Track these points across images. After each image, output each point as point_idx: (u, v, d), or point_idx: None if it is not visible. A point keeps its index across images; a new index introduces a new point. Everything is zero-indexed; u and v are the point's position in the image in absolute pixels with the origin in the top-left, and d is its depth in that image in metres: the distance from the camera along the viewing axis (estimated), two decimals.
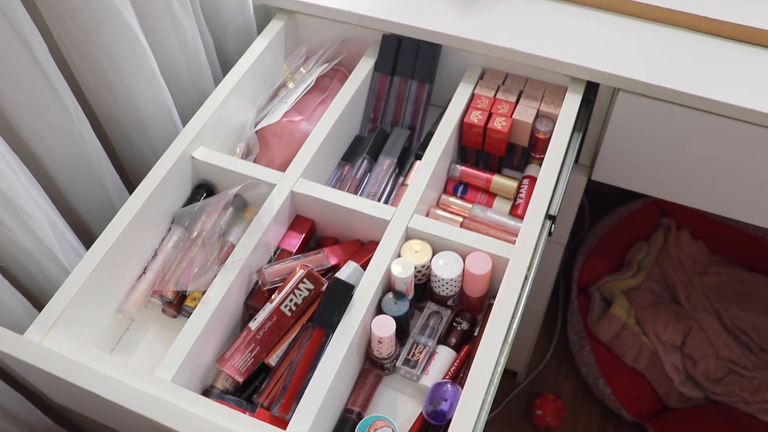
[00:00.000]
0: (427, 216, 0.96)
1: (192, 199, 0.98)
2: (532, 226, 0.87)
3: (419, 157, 0.99)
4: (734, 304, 1.81)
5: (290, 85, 1.08)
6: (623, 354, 1.70)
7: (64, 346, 0.79)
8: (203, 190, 0.99)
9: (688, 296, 1.82)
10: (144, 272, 0.93)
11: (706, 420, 1.66)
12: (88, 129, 0.92)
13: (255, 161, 1.02)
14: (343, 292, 0.80)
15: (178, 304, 0.92)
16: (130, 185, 1.07)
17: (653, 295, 1.81)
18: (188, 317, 0.85)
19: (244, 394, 0.86)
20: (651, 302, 1.79)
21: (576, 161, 1.15)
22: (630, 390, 1.69)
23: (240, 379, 0.83)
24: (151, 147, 1.03)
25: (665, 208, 1.90)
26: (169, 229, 0.96)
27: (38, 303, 0.91)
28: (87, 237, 1.00)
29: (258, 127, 1.02)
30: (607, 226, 1.89)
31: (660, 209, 1.90)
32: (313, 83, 1.06)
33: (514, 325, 0.80)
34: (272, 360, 0.84)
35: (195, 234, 0.94)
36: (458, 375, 0.85)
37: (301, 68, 1.10)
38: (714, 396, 1.70)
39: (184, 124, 0.98)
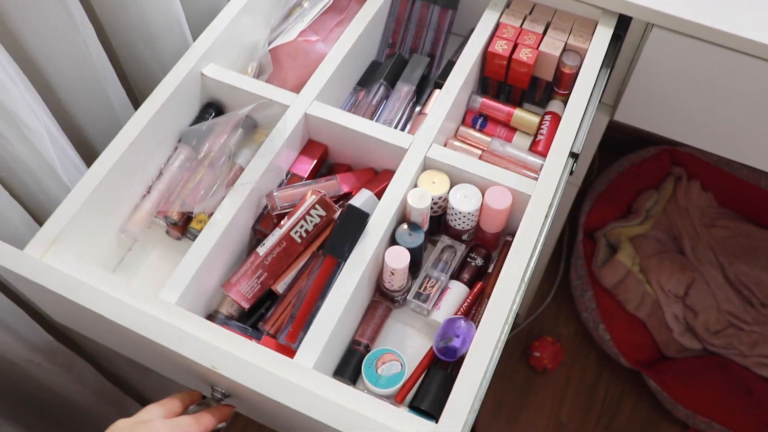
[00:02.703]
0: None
1: (200, 118, 0.94)
2: (555, 162, 0.83)
3: (438, 85, 0.94)
4: (739, 259, 1.79)
5: (306, 4, 1.03)
6: (625, 301, 1.69)
7: (65, 263, 0.76)
8: (212, 109, 0.95)
9: (694, 248, 1.80)
10: (148, 192, 0.89)
11: (702, 371, 1.66)
12: (94, 38, 0.87)
13: (267, 81, 0.97)
14: (357, 221, 0.77)
15: (183, 226, 0.89)
16: (136, 102, 1.02)
17: (659, 244, 1.80)
18: (193, 240, 0.82)
19: (249, 321, 0.84)
20: (656, 251, 1.77)
21: (599, 100, 1.10)
22: (629, 337, 1.69)
23: (246, 306, 0.81)
24: (160, 62, 0.98)
25: (677, 157, 1.86)
26: (176, 148, 0.92)
27: (38, 220, 0.88)
28: (90, 154, 0.96)
29: (272, 46, 0.97)
30: (617, 172, 1.85)
31: (671, 158, 1.87)
32: (330, 3, 1.01)
33: (532, 264, 0.77)
34: (279, 287, 0.82)
35: (202, 154, 0.90)
36: (470, 311, 0.83)
37: None
38: (712, 348, 1.70)
39: (195, 39, 0.93)
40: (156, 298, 0.74)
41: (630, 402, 1.75)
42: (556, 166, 0.83)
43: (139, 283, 0.88)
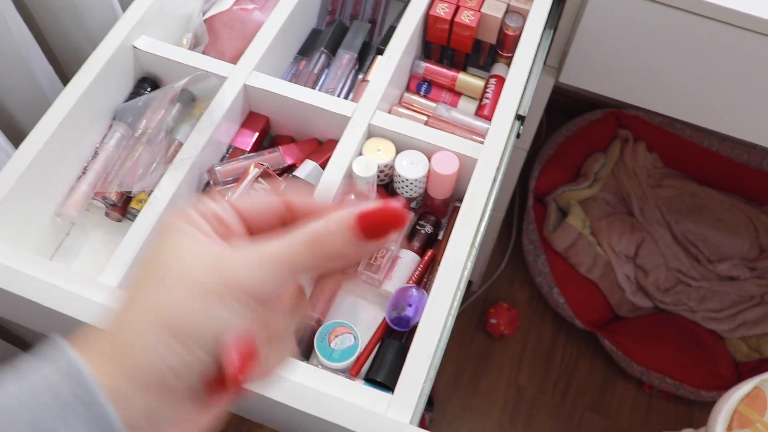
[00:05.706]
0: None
1: (135, 93, 0.90)
2: (501, 125, 0.82)
3: (380, 52, 0.92)
4: (685, 217, 1.83)
5: None
6: (578, 264, 1.71)
7: None
8: (147, 83, 0.91)
9: (642, 208, 1.83)
10: (84, 173, 0.85)
11: (654, 328, 1.70)
12: (12, 11, 0.82)
13: (204, 53, 0.94)
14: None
15: (123, 207, 0.85)
16: (65, 78, 0.97)
17: (608, 206, 1.81)
18: (134, 220, 0.79)
19: None
20: (606, 213, 1.79)
21: (544, 62, 1.10)
22: (583, 299, 1.71)
23: None
24: (88, 35, 0.94)
25: (622, 120, 1.88)
26: (110, 126, 0.88)
27: None
28: (17, 135, 0.92)
29: (206, 16, 0.93)
30: (564, 136, 1.86)
31: (617, 121, 1.88)
32: None
33: (482, 229, 0.76)
34: None
35: (139, 131, 0.87)
36: (422, 280, 0.82)
37: None
38: (662, 305, 1.73)
39: (124, 10, 0.89)
40: (96, 282, 0.71)
41: (586, 363, 1.78)
42: (502, 129, 0.81)
43: (78, 268, 0.84)
